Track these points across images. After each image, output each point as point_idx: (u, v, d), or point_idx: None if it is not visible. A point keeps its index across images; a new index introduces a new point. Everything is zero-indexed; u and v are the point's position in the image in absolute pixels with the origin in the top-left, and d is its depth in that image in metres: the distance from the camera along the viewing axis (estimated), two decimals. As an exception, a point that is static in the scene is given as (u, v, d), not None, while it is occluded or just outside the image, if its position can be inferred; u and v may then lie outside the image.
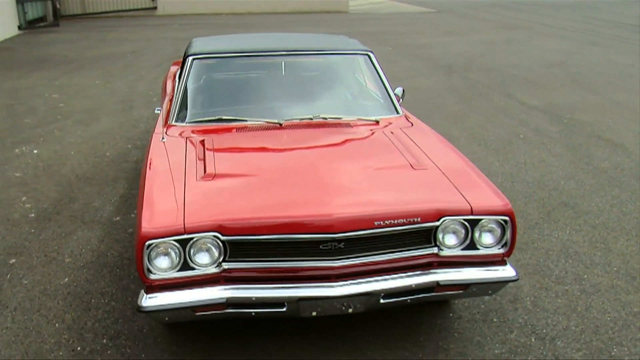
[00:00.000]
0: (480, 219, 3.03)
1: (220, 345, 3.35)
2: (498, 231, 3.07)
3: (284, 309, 2.99)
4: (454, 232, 3.05)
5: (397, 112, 4.33)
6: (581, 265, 4.16)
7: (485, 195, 3.13)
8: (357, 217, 2.91)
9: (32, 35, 17.07)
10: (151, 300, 2.89)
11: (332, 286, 2.96)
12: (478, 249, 3.08)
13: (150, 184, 3.28)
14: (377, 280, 3.01)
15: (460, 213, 3.01)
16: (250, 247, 2.92)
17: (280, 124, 3.97)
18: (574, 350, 3.30)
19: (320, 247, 2.93)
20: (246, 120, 4.02)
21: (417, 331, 3.46)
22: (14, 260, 4.24)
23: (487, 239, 3.08)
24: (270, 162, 3.56)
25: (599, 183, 5.62)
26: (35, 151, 6.53)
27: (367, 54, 4.54)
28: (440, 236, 3.04)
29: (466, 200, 3.06)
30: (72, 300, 3.75)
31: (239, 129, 3.94)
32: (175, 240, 2.86)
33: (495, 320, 3.57)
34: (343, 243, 2.93)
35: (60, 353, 3.29)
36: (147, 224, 2.86)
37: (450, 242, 3.06)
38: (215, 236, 2.87)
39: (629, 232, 4.62)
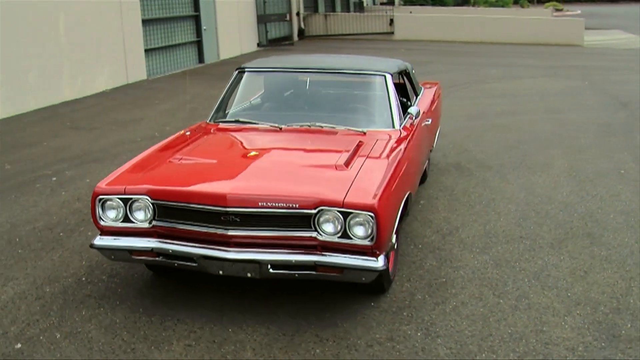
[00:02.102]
0: (351, 212, 3.69)
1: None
2: (368, 225, 3.69)
3: (196, 264, 3.95)
4: (331, 221, 3.74)
5: (394, 127, 4.99)
6: None
7: (363, 194, 3.76)
8: (244, 197, 3.78)
9: (264, 51, 19.64)
10: (100, 241, 4.05)
11: (227, 251, 3.84)
12: (351, 238, 3.74)
13: (137, 159, 4.48)
14: (264, 252, 3.82)
15: (333, 205, 3.70)
16: (171, 210, 3.94)
17: (280, 128, 4.91)
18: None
19: (222, 218, 3.84)
20: (256, 124, 5.03)
21: (328, 310, 4.14)
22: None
23: (358, 231, 3.72)
24: (227, 153, 4.54)
25: None
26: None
27: (384, 76, 5.26)
28: (319, 223, 3.76)
29: (345, 195, 3.73)
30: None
31: (244, 130, 4.97)
32: (119, 199, 4.00)
33: (405, 313, 4.10)
34: (239, 217, 3.82)
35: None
36: (102, 184, 4.05)
37: (327, 230, 3.75)
38: (147, 199, 3.96)
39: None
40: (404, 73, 5.99)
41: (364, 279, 3.79)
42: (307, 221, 3.75)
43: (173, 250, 3.93)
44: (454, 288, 4.43)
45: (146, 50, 14.82)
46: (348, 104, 5.39)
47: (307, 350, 3.71)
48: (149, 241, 3.98)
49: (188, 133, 5.01)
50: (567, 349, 3.69)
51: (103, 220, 4.03)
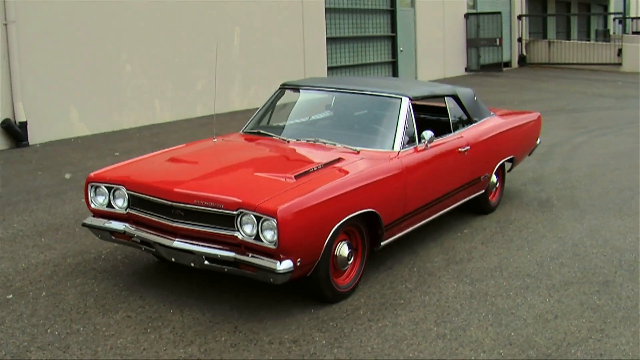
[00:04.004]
0: (262, 216, 4.20)
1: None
2: (274, 231, 4.16)
3: (154, 249, 4.73)
4: (250, 223, 4.28)
5: (393, 149, 5.32)
6: None
7: (275, 202, 4.21)
8: (184, 194, 4.46)
9: (468, 77, 19.81)
10: (90, 221, 4.99)
11: (172, 240, 4.56)
12: (262, 241, 4.24)
13: (147, 155, 5.39)
14: (198, 245, 4.47)
15: (249, 208, 4.24)
16: (139, 200, 4.76)
17: (288, 141, 5.52)
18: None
19: (171, 211, 4.58)
20: (272, 136, 5.69)
21: (267, 309, 4.60)
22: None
23: (267, 234, 4.20)
24: (210, 158, 5.22)
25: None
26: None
27: (400, 99, 5.59)
28: (241, 224, 4.32)
29: (260, 201, 4.24)
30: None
31: (256, 139, 5.64)
32: (105, 186, 4.92)
33: (331, 323, 4.46)
34: (183, 212, 4.52)
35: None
36: (95, 173, 5.00)
37: (247, 231, 4.28)
38: (124, 189, 4.82)
39: None
40: (449, 98, 6.19)
41: (271, 280, 4.25)
42: (231, 221, 4.32)
43: (137, 235, 4.72)
44: (402, 310, 4.64)
45: (329, 68, 15.92)
46: (360, 123, 5.78)
47: (214, 337, 4.25)
48: (123, 225, 4.81)
49: (215, 140, 5.79)
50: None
51: (93, 203, 4.96)
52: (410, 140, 5.45)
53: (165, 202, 4.48)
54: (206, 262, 4.41)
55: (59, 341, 4.17)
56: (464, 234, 6.24)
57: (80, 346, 4.12)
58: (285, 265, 4.15)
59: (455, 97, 6.28)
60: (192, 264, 4.50)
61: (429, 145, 5.48)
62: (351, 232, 4.82)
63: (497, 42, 20.71)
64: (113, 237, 4.89)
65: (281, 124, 5.98)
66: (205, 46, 12.43)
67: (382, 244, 5.08)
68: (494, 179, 6.74)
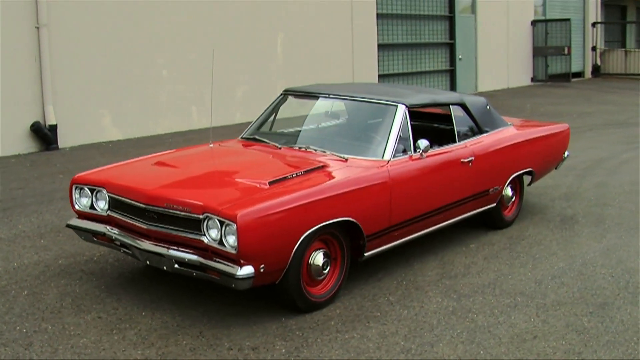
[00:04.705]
0: (224, 221, 4.35)
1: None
2: (235, 236, 4.30)
3: (130, 252, 4.94)
4: (215, 228, 4.43)
5: (383, 157, 5.38)
6: None
7: (237, 207, 4.33)
8: (155, 196, 4.66)
9: (533, 87, 19.49)
10: (73, 222, 5.26)
11: (144, 241, 4.77)
12: (225, 246, 4.39)
13: (136, 159, 5.63)
14: (168, 248, 4.66)
15: (213, 212, 4.39)
16: (118, 202, 4.99)
17: (280, 147, 5.67)
18: None
19: (145, 213, 4.78)
20: (266, 142, 5.84)
21: (237, 316, 4.74)
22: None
23: (230, 239, 4.35)
24: (194, 163, 5.40)
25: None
26: None
27: (395, 106, 5.66)
28: (207, 228, 4.48)
29: (225, 206, 4.39)
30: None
31: (249, 145, 5.81)
32: (88, 188, 5.17)
33: (298, 332, 4.56)
34: (156, 215, 4.72)
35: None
36: (79, 174, 5.26)
37: (212, 235, 4.45)
38: (104, 191, 5.06)
39: None
40: (456, 106, 6.21)
41: (233, 285, 4.38)
42: (198, 225, 4.49)
43: (115, 237, 4.94)
44: (375, 323, 4.69)
45: (380, 76, 16.01)
46: (354, 130, 5.86)
47: (176, 341, 4.40)
48: (104, 227, 5.05)
49: (211, 145, 5.99)
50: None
51: (77, 205, 5.22)
52: (406, 149, 5.48)
53: (139, 204, 4.68)
54: (176, 266, 4.58)
55: (24, 338, 4.41)
56: (469, 248, 6.22)
57: (42, 344, 4.35)
58: (246, 271, 4.27)
59: (463, 106, 6.28)
60: (165, 268, 4.68)
61: (424, 155, 5.50)
62: (329, 241, 4.90)
63: (565, 51, 20.32)
64: (95, 239, 5.12)
65: (279, 130, 6.13)
66: (246, 52, 12.73)
67: (366, 255, 5.13)
68: (508, 192, 6.68)
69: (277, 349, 4.33)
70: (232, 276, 4.28)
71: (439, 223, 5.84)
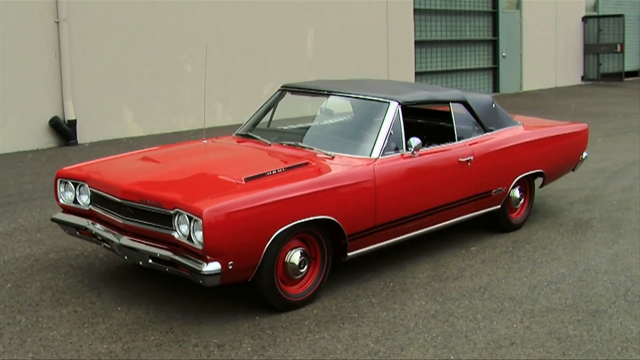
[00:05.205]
0: (192, 216, 4.43)
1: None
2: (202, 231, 4.38)
3: (110, 247, 5.08)
4: (185, 223, 4.52)
5: (370, 155, 5.40)
6: None
7: (205, 202, 4.40)
8: (130, 191, 4.78)
9: (583, 87, 19.13)
10: (57, 216, 5.42)
11: (120, 236, 4.90)
12: (193, 242, 4.48)
13: (123, 154, 5.77)
14: (141, 243, 4.77)
15: (182, 208, 4.48)
16: (97, 197, 5.13)
17: (269, 144, 5.74)
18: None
19: (122, 208, 4.91)
20: (257, 139, 5.92)
21: (213, 314, 4.82)
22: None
23: (198, 235, 4.43)
24: (185, 158, 5.51)
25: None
26: None
27: (387, 103, 5.66)
28: (178, 223, 4.58)
29: (193, 202, 4.47)
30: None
31: (242, 141, 5.90)
32: (72, 182, 5.33)
33: (268, 331, 4.62)
34: (132, 209, 4.84)
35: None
36: (64, 168, 5.42)
37: (183, 230, 4.54)
38: (86, 185, 5.21)
39: None
40: (457, 104, 6.18)
41: (200, 281, 4.46)
42: (170, 221, 4.58)
43: (95, 232, 5.08)
44: (349, 324, 4.71)
45: (417, 73, 15.95)
46: (346, 127, 5.89)
47: (144, 336, 4.50)
48: (86, 222, 5.19)
49: (205, 141, 6.10)
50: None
51: (62, 199, 5.37)
52: (398, 147, 5.48)
53: (116, 199, 4.81)
54: (150, 261, 4.68)
55: (-5, 330, 4.57)
56: (469, 251, 6.18)
57: (12, 336, 4.50)
58: (212, 267, 4.35)
59: (465, 104, 6.24)
60: (140, 263, 4.79)
61: (416, 154, 5.49)
62: (308, 240, 4.93)
63: (618, 49, 19.87)
64: (78, 233, 5.27)
65: (272, 126, 6.19)
66: (274, 49, 12.82)
67: (350, 254, 5.15)
68: (516, 194, 6.61)
69: (243, 347, 4.39)
70: (198, 272, 4.36)
71: (434, 224, 5.82)
